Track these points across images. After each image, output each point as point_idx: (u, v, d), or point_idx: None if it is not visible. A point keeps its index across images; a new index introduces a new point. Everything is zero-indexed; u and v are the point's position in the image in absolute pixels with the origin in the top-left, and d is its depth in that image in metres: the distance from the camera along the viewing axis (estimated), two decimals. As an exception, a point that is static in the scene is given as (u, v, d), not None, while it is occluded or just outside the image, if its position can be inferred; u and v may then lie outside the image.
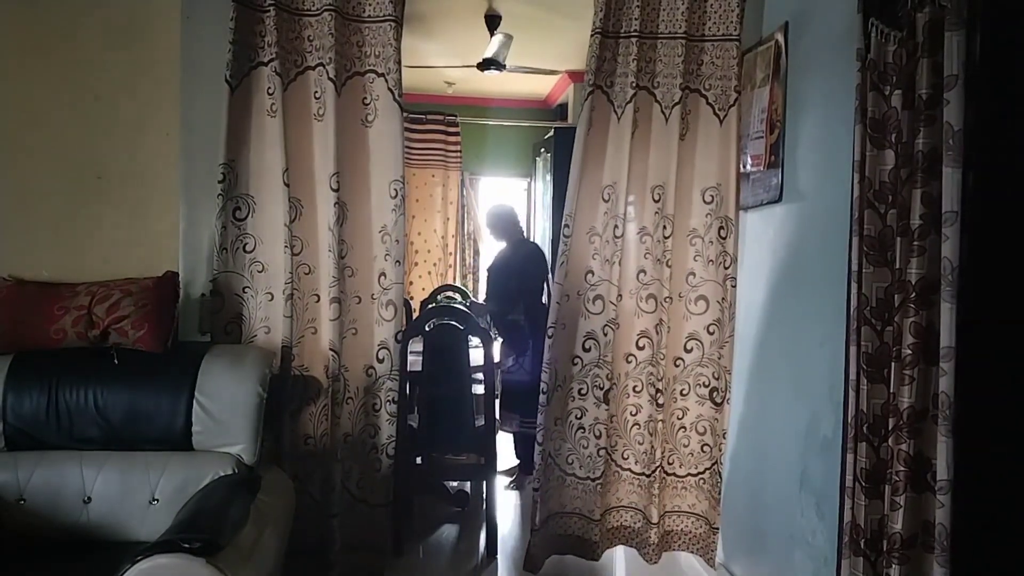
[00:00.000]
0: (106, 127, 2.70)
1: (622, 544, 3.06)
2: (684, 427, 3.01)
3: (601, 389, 2.90)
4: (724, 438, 2.96)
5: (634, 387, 2.96)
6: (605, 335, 2.88)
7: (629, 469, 3.00)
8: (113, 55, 2.70)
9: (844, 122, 2.19)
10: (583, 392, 2.92)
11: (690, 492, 3.04)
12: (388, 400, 2.81)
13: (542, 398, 2.86)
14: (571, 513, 3.00)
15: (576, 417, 2.93)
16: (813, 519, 2.42)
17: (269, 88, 2.65)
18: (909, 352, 1.76)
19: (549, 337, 2.85)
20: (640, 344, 2.94)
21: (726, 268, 2.90)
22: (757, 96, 2.90)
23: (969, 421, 1.72)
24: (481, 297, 6.86)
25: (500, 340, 4.28)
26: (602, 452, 2.92)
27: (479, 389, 3.69)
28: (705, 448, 2.99)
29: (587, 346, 2.90)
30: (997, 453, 1.81)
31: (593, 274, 2.88)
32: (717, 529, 3.00)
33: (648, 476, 2.95)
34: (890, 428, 1.83)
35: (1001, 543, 1.83)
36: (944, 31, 1.70)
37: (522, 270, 4.22)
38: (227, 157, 2.64)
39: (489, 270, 4.45)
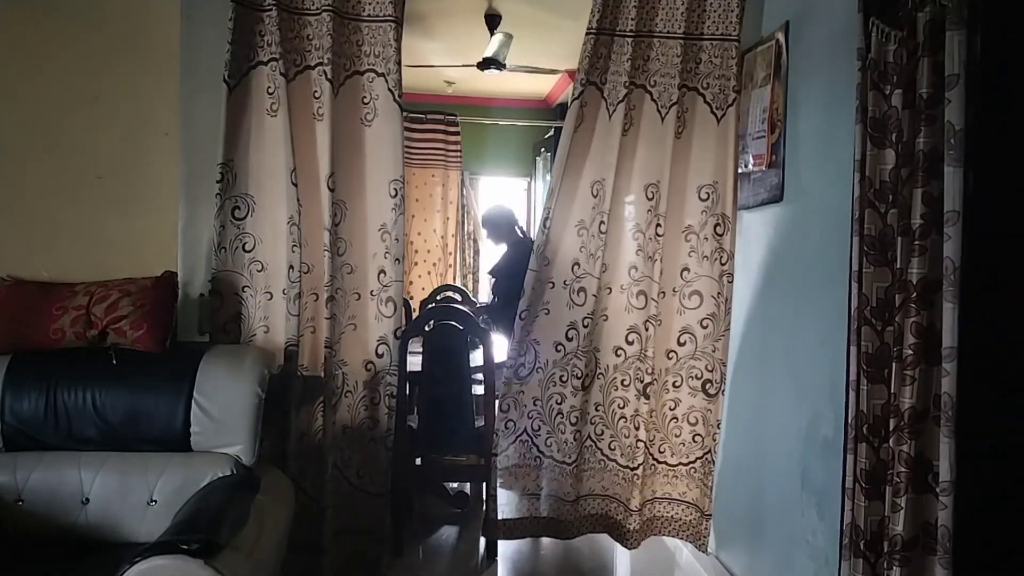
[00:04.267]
0: (106, 127, 2.69)
1: (603, 531, 3.12)
2: (676, 418, 3.06)
3: (578, 378, 2.95)
4: (718, 428, 3.01)
5: (622, 381, 3.00)
6: (585, 327, 2.93)
7: (615, 460, 3.05)
8: (113, 55, 2.69)
9: (845, 121, 2.18)
10: (563, 379, 2.97)
11: (681, 480, 3.09)
12: (387, 395, 2.84)
13: (508, 372, 2.93)
14: (549, 495, 3.04)
15: (556, 403, 2.99)
16: (814, 519, 2.41)
17: (269, 88, 2.66)
18: (910, 352, 1.75)
19: (521, 319, 2.90)
20: (629, 339, 2.98)
21: (722, 264, 2.92)
22: (758, 96, 2.89)
23: (971, 422, 1.71)
24: (482, 298, 6.89)
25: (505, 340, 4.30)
26: (577, 437, 2.99)
27: (479, 389, 3.69)
28: (697, 438, 3.04)
29: (569, 335, 2.95)
30: (1000, 454, 1.81)
31: (579, 266, 2.92)
32: (709, 516, 3.04)
33: (632, 469, 2.99)
34: (891, 429, 1.82)
35: (1004, 545, 1.83)
36: (945, 30, 1.69)
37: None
38: (225, 157, 2.65)
39: (495, 274, 4.44)
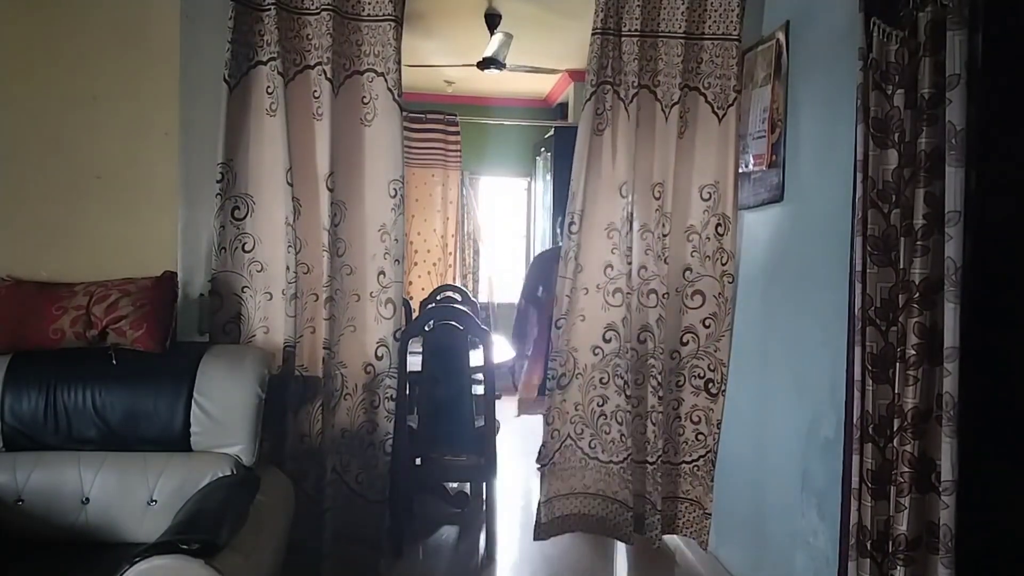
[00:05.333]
0: (106, 127, 2.69)
1: (636, 532, 3.11)
2: (679, 416, 3.07)
3: (622, 379, 2.95)
4: (718, 427, 3.01)
5: (636, 380, 2.99)
6: (624, 326, 2.93)
7: (644, 460, 3.05)
8: (112, 55, 2.69)
9: (845, 121, 2.18)
10: (604, 381, 2.98)
11: (684, 479, 3.10)
12: (387, 397, 2.82)
13: (550, 383, 2.95)
14: (594, 495, 3.06)
15: (598, 404, 2.99)
16: (814, 520, 2.41)
17: (268, 87, 2.65)
18: (913, 352, 1.75)
19: (557, 328, 2.90)
20: (641, 338, 2.97)
21: (723, 264, 2.93)
22: (758, 95, 2.89)
23: (973, 421, 1.71)
24: (483, 294, 6.92)
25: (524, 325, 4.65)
26: (624, 439, 2.97)
27: (479, 389, 3.68)
28: (699, 436, 3.05)
29: (607, 337, 2.96)
30: (1001, 453, 1.81)
31: (612, 268, 2.93)
32: (709, 515, 3.05)
33: (652, 464, 3.01)
34: (895, 429, 1.82)
35: (1006, 544, 1.83)
36: (946, 30, 1.69)
37: None
38: (225, 157, 2.64)
39: (543, 257, 4.68)
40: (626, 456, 2.98)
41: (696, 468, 3.07)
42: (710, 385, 3.01)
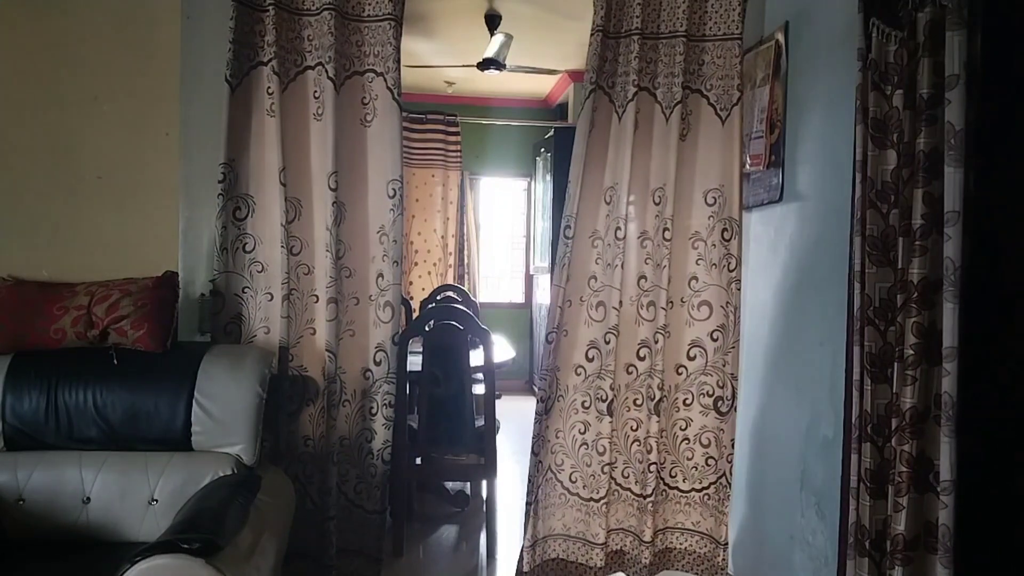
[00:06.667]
0: (106, 127, 2.69)
1: (620, 571, 2.94)
2: (687, 439, 2.91)
3: (603, 401, 2.79)
4: (732, 449, 2.87)
5: (635, 400, 2.86)
6: (607, 343, 2.78)
7: (629, 489, 2.89)
8: (113, 55, 2.69)
9: (845, 122, 2.19)
10: (586, 405, 2.82)
11: (694, 509, 2.93)
12: (384, 404, 2.76)
13: (539, 406, 2.78)
14: (573, 537, 2.88)
15: (580, 432, 2.84)
16: (813, 519, 2.42)
17: (269, 88, 2.65)
18: (911, 352, 1.76)
19: (548, 343, 2.76)
20: (640, 354, 2.83)
21: (731, 271, 2.81)
22: (757, 96, 2.90)
23: (971, 421, 1.72)
24: (483, 294, 6.93)
25: None
26: (605, 469, 2.81)
27: (479, 389, 3.69)
28: (710, 461, 2.89)
29: (590, 355, 2.80)
30: (1000, 453, 1.81)
31: (596, 279, 2.80)
32: (725, 545, 2.90)
33: (646, 497, 2.83)
34: (893, 428, 1.83)
35: (1005, 544, 1.83)
36: (945, 31, 1.70)
37: None
38: (227, 157, 2.63)
39: None
40: (606, 492, 2.81)
41: (707, 497, 2.90)
42: (720, 403, 2.86)
